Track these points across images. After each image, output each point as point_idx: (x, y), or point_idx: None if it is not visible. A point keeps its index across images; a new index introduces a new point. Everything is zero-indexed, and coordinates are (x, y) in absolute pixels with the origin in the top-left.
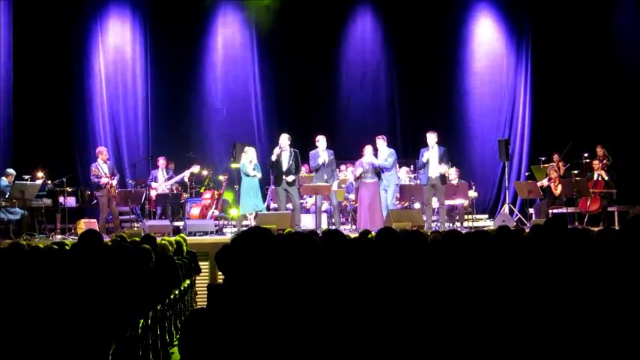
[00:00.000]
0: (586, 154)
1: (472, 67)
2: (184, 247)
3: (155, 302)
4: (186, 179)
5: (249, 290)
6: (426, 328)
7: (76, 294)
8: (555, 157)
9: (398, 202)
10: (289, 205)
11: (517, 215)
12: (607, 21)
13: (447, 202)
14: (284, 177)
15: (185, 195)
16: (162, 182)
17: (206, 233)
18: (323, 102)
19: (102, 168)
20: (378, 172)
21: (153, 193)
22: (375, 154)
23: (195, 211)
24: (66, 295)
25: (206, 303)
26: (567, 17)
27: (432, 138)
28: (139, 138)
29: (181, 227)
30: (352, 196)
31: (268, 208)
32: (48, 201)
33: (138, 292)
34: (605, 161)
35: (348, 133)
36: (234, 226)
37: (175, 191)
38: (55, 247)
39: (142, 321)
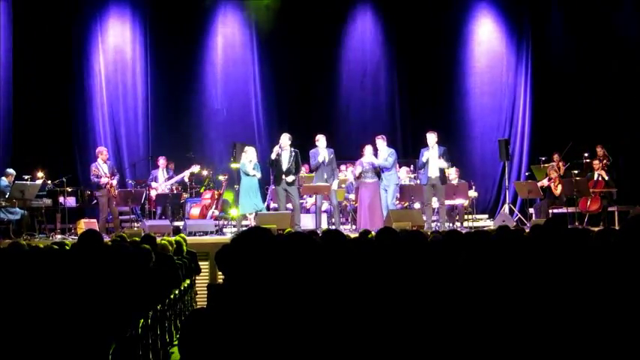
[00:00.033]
0: (586, 154)
1: (472, 67)
2: (184, 247)
3: (155, 302)
4: (186, 179)
5: (249, 290)
6: (426, 328)
7: (76, 294)
8: (555, 156)
9: (398, 202)
10: (289, 205)
11: (517, 215)
12: (607, 20)
13: (447, 202)
14: (284, 177)
15: (185, 195)
16: (162, 182)
17: (206, 233)
18: (323, 102)
19: (102, 168)
20: (378, 172)
21: (153, 193)
22: (375, 154)
23: (195, 211)
24: (66, 295)
25: (206, 303)
26: (567, 17)
27: (431, 138)
28: (139, 138)
29: (181, 227)
30: (352, 196)
31: (268, 208)
32: (48, 201)
33: (138, 292)
34: (605, 161)
35: (348, 133)
36: (234, 226)
37: (175, 191)
38: (55, 247)
39: (142, 321)
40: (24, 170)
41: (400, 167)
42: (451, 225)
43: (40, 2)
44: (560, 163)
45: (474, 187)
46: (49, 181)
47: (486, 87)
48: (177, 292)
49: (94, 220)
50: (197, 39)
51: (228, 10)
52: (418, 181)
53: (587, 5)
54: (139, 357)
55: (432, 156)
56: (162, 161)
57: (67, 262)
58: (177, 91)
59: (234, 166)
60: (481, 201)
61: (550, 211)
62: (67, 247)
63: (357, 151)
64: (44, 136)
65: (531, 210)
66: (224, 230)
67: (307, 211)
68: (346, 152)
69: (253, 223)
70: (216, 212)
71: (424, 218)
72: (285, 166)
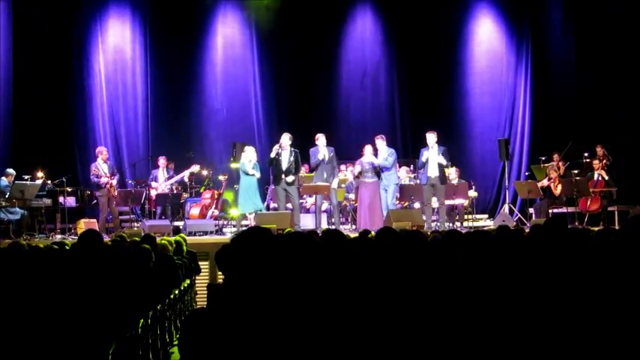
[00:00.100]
0: (586, 154)
1: (472, 67)
2: (184, 247)
3: (155, 302)
4: (185, 179)
5: (249, 290)
6: (426, 327)
7: (76, 294)
8: (555, 156)
9: (398, 201)
10: (288, 205)
11: (517, 215)
12: (607, 20)
13: (447, 202)
14: (283, 177)
15: (185, 195)
16: (162, 182)
17: (206, 233)
18: (323, 102)
19: (102, 168)
20: (378, 171)
21: (153, 193)
22: (375, 154)
23: (195, 211)
24: (66, 295)
25: (206, 303)
26: (567, 17)
27: (431, 138)
28: (139, 138)
29: (181, 227)
30: (352, 196)
31: (268, 208)
32: (48, 201)
33: (138, 292)
34: (605, 161)
35: (348, 133)
36: (234, 226)
37: (175, 191)
38: (55, 247)
39: (142, 321)
40: (24, 170)
41: (400, 167)
42: (451, 225)
43: (40, 2)
44: (560, 163)
45: (473, 187)
46: (49, 181)
47: (486, 87)
48: (177, 292)
49: (94, 220)
50: (197, 39)
51: (228, 10)
52: (418, 181)
53: (587, 5)
54: (139, 357)
55: (432, 156)
56: (162, 161)
57: (67, 262)
58: (177, 91)
59: (233, 165)
60: (481, 201)
61: (550, 210)
62: (67, 247)
63: (357, 151)
64: (44, 136)
65: (531, 210)
66: (224, 230)
67: (307, 211)
68: (346, 152)
69: (253, 223)
70: (216, 212)
71: (424, 218)
72: (284, 165)
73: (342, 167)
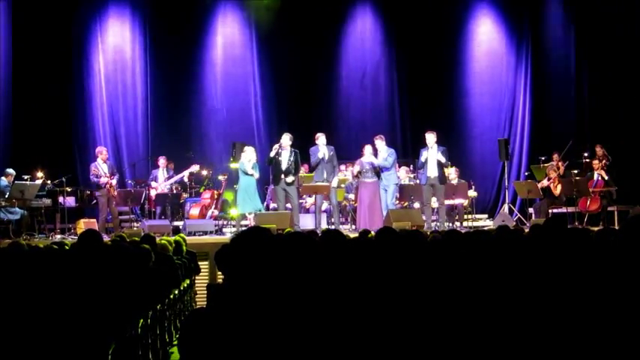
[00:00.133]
0: (586, 154)
1: (472, 67)
2: (184, 247)
3: (155, 302)
4: (185, 179)
5: (248, 290)
6: (426, 327)
7: (75, 294)
8: (555, 156)
9: (397, 201)
10: (288, 205)
11: (517, 215)
12: (606, 20)
13: (447, 202)
14: (283, 177)
15: (185, 195)
16: (162, 182)
17: (205, 233)
18: (323, 102)
19: (101, 168)
20: (378, 171)
21: (152, 193)
22: (375, 154)
23: (194, 211)
24: (65, 295)
25: (205, 303)
26: (567, 17)
27: (430, 138)
28: (139, 138)
29: (181, 227)
30: (352, 196)
31: (268, 208)
32: (48, 201)
33: (137, 292)
34: (604, 161)
35: (348, 133)
36: (234, 226)
37: (175, 191)
38: (55, 247)
39: (142, 321)
40: (24, 170)
41: (400, 167)
42: (451, 225)
43: (40, 2)
44: (560, 163)
45: (473, 187)
46: (49, 181)
47: (486, 87)
48: (176, 292)
49: (94, 220)
50: (197, 38)
51: (228, 10)
52: (418, 181)
53: (587, 5)
54: (139, 357)
55: (431, 156)
56: (162, 161)
57: (66, 262)
58: (177, 91)
59: (233, 165)
60: (481, 201)
61: (550, 210)
62: (67, 247)
63: (357, 151)
64: (44, 136)
65: (531, 210)
66: (224, 230)
67: (307, 211)
68: (346, 152)
69: (253, 223)
70: (216, 212)
71: (424, 218)
72: (284, 165)
73: (342, 167)
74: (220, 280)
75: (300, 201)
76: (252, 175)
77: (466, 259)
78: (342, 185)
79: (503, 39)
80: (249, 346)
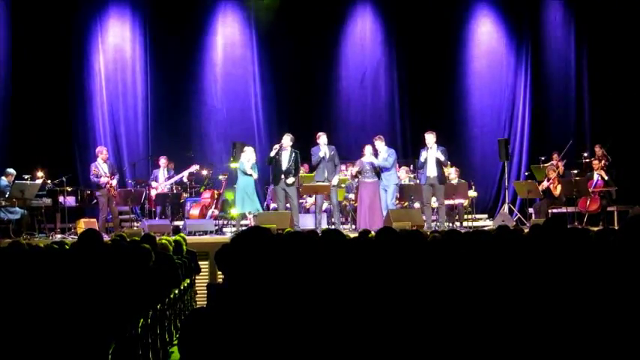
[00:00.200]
0: (585, 154)
1: (472, 67)
2: (184, 247)
3: (155, 302)
4: (185, 179)
5: (248, 290)
6: (426, 327)
7: (75, 293)
8: (555, 156)
9: (397, 202)
10: (288, 205)
11: (517, 215)
12: (606, 20)
13: (447, 202)
14: (283, 177)
15: (185, 195)
16: (162, 182)
17: (206, 233)
18: (323, 102)
19: (102, 167)
20: (378, 171)
21: (153, 193)
22: (375, 155)
23: (194, 210)
24: (66, 295)
25: (206, 302)
26: (566, 17)
27: (430, 138)
28: (139, 137)
29: (181, 227)
30: (352, 196)
31: (268, 208)
32: (48, 200)
33: (137, 292)
34: (604, 161)
35: (348, 133)
36: (234, 226)
37: (175, 191)
38: (55, 246)
39: (142, 320)
40: (24, 170)
41: (400, 167)
42: (451, 225)
43: (39, 2)
44: (560, 163)
45: (473, 187)
46: (49, 181)
47: (486, 87)
48: (176, 291)
49: (94, 220)
50: (197, 38)
51: (228, 10)
52: (418, 181)
53: (586, 5)
54: (139, 357)
55: (431, 156)
56: (163, 161)
57: (66, 262)
58: (177, 91)
59: (233, 165)
60: (481, 201)
61: (549, 210)
62: (67, 247)
63: (357, 151)
64: (44, 136)
65: (531, 210)
66: (224, 230)
67: (307, 211)
68: (346, 152)
69: (253, 223)
70: (216, 212)
71: (424, 218)
72: (284, 166)
73: (342, 167)
74: (220, 280)
75: (300, 201)
76: (251, 175)
77: (466, 259)
78: (343, 185)
79: (503, 39)
80: (249, 345)
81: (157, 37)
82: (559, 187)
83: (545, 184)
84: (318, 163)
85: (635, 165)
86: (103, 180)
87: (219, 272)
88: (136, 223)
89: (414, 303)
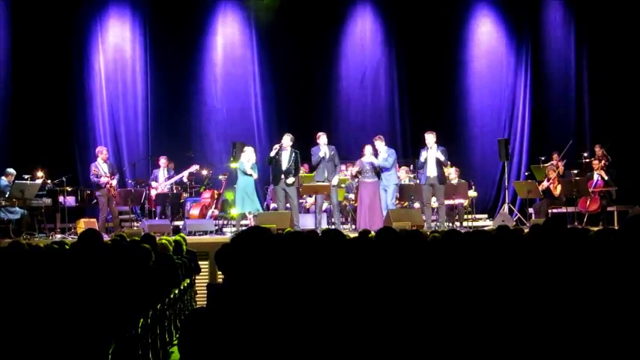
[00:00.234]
0: (585, 154)
1: (472, 67)
2: (184, 247)
3: (155, 301)
4: (184, 179)
5: (248, 290)
6: (426, 327)
7: (75, 293)
8: (555, 156)
9: (397, 202)
10: (288, 205)
11: (516, 215)
12: (606, 20)
13: (447, 202)
14: (282, 177)
15: (185, 195)
16: (162, 182)
17: (206, 233)
18: (323, 102)
19: (102, 167)
20: (378, 171)
21: (153, 193)
22: (375, 155)
23: (194, 210)
24: (66, 295)
25: (206, 302)
26: (566, 17)
27: (429, 138)
28: (139, 137)
29: (181, 227)
30: (352, 196)
31: (268, 208)
32: (48, 200)
33: (137, 292)
34: (604, 161)
35: (348, 133)
36: (234, 226)
37: (175, 191)
38: (55, 246)
39: (142, 320)
40: (24, 170)
41: (400, 167)
42: (451, 225)
43: (39, 2)
44: (560, 163)
45: (473, 187)
46: (49, 181)
47: (486, 87)
48: (176, 291)
49: (94, 220)
50: (197, 38)
51: (228, 10)
52: (417, 181)
53: (586, 5)
54: (139, 357)
55: (431, 156)
56: (163, 161)
57: (66, 262)
58: (177, 91)
59: (233, 165)
60: (481, 201)
61: (549, 210)
62: (67, 247)
63: (357, 151)
64: (44, 136)
65: (531, 210)
66: (224, 230)
67: (307, 211)
68: (346, 152)
69: (253, 223)
70: (216, 212)
71: (424, 218)
72: (284, 166)
73: (342, 167)
74: (220, 280)
75: (300, 201)
76: (250, 175)
77: (466, 259)
78: (343, 185)
79: (503, 39)
80: (249, 345)
81: (157, 37)
82: (559, 187)
83: (545, 184)
84: (318, 163)
85: (635, 165)
86: (103, 180)
87: (219, 272)
88: (136, 223)
89: (414, 303)
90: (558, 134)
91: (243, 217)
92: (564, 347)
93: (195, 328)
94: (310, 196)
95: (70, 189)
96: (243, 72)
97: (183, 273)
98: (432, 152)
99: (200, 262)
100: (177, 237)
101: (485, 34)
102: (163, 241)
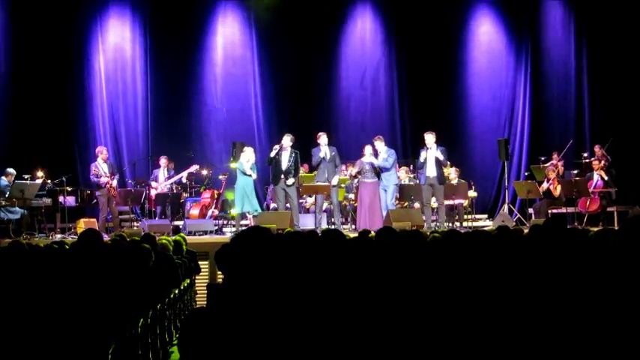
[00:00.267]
0: (585, 154)
1: (472, 67)
2: (184, 247)
3: (155, 301)
4: (184, 179)
5: (248, 290)
6: (426, 327)
7: (75, 293)
8: (555, 156)
9: (397, 202)
10: (288, 205)
11: (516, 215)
12: (606, 20)
13: (447, 202)
14: (282, 177)
15: (185, 195)
16: (162, 182)
17: (205, 233)
18: (323, 102)
19: (102, 167)
20: (378, 172)
21: (153, 193)
22: (375, 155)
23: (194, 210)
24: (66, 295)
25: (205, 302)
26: (566, 17)
27: (429, 138)
28: (139, 137)
29: (181, 227)
30: (352, 196)
31: (268, 208)
32: (48, 200)
33: (137, 292)
34: (603, 161)
35: (348, 133)
36: (234, 226)
37: (175, 191)
38: (55, 246)
39: (142, 320)
40: (24, 170)
41: (400, 167)
42: (450, 225)
43: (39, 2)
44: (559, 163)
45: (473, 187)
46: (49, 181)
47: (486, 87)
48: (176, 291)
49: (94, 220)
50: (197, 38)
51: (228, 10)
52: (417, 181)
53: (586, 5)
54: (139, 356)
55: (430, 156)
56: (163, 161)
57: (66, 262)
58: (177, 91)
59: (233, 165)
60: (480, 201)
61: (549, 211)
62: (67, 247)
63: (357, 151)
64: (44, 136)
65: (531, 210)
66: (224, 230)
67: (307, 211)
68: (346, 152)
69: (253, 223)
70: (216, 212)
71: (423, 218)
72: (284, 166)
73: (343, 167)
74: (220, 280)
75: (300, 201)
76: (250, 175)
77: (466, 260)
78: (343, 185)
79: (503, 39)
80: (249, 345)
81: (157, 37)
82: (559, 188)
83: (545, 185)
84: (319, 164)
85: (635, 165)
86: (103, 180)
87: (219, 272)
88: (136, 223)
89: (413, 303)
90: (558, 134)
91: (243, 217)
92: (564, 347)
93: (195, 328)
94: (310, 196)
95: (70, 189)
96: (243, 72)
97: (183, 273)
98: (431, 152)
99: (200, 262)
100: (177, 237)
101: (485, 34)
102: (163, 241)
